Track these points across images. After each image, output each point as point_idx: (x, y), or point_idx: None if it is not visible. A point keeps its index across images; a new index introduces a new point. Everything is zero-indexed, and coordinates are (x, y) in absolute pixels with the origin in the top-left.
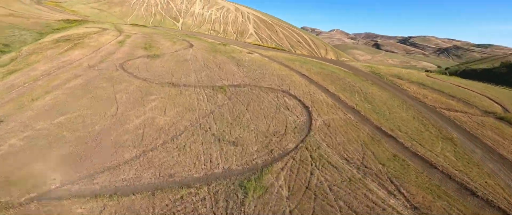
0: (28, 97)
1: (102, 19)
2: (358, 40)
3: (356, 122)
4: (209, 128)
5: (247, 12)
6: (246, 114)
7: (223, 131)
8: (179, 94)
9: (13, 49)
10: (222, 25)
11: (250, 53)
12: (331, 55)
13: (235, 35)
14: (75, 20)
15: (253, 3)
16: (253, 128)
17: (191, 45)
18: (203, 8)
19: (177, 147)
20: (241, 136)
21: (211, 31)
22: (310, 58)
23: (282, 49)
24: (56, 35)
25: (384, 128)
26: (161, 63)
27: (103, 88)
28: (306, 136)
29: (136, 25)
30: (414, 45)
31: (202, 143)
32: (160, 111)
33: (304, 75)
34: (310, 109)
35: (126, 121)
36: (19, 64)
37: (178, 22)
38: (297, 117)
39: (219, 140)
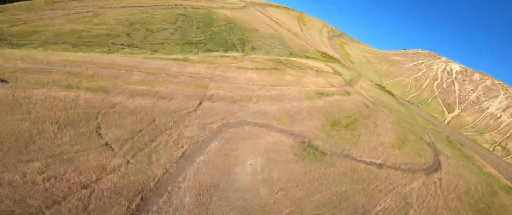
0: (87, 82)
1: (359, 68)
2: None
3: None
4: None
5: None
6: None
7: None
8: None
9: (254, 53)
10: None
11: None
12: None
13: None
14: (330, 57)
15: None
16: None
17: (435, 168)
18: (504, 110)
19: None
20: None
21: (505, 152)
22: None
23: None
24: (292, 58)
25: None
26: (301, 176)
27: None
28: None
29: (382, 89)
30: None
31: None
32: None
33: None
34: None
35: None
36: (208, 60)
37: (450, 112)
38: None
39: None
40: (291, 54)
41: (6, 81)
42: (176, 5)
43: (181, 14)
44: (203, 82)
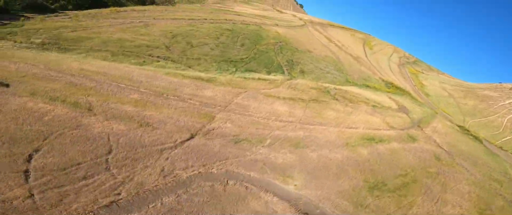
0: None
1: (436, 103)
2: None
3: None
4: None
5: None
6: None
7: None
8: None
9: (301, 77)
10: None
11: None
12: None
13: None
14: (396, 88)
15: None
16: None
17: None
18: None
19: None
20: None
21: None
22: None
23: None
24: (345, 87)
25: None
26: None
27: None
28: None
29: (466, 132)
30: None
31: None
32: None
33: None
34: None
35: None
36: (237, 82)
37: None
38: None
39: None
40: (347, 81)
41: (7, 85)
42: (226, 19)
43: (228, 29)
44: (212, 111)
